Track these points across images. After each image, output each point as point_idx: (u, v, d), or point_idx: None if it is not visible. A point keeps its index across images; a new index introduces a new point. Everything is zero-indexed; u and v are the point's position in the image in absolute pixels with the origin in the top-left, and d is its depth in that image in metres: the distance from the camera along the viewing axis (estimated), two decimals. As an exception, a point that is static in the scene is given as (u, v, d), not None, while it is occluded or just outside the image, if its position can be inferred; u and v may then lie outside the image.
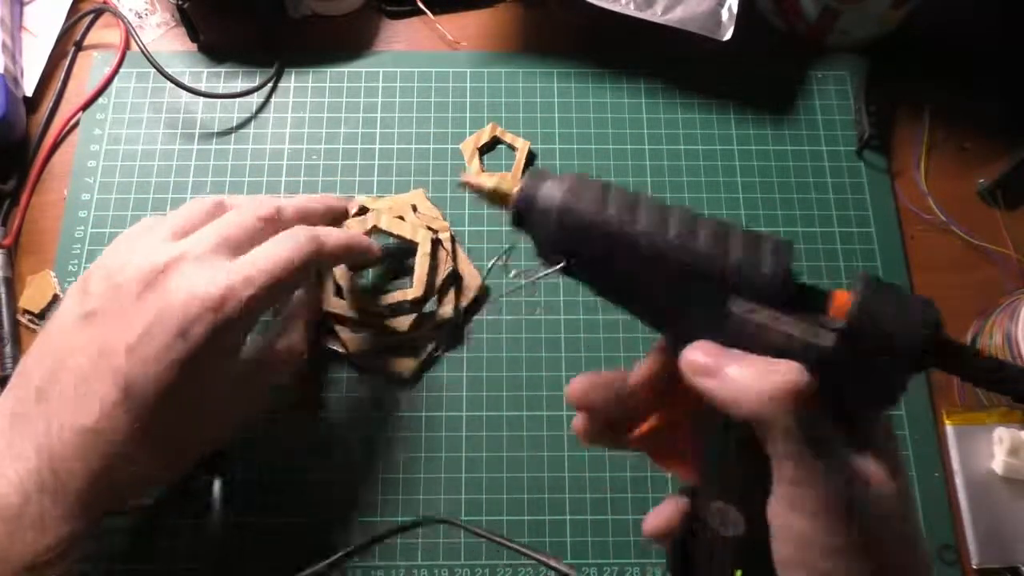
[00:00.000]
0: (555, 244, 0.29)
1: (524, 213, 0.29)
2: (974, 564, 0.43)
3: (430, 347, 0.47)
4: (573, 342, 0.48)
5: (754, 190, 0.52)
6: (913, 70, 0.55)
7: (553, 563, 0.42)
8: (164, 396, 0.32)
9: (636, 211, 0.28)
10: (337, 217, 0.45)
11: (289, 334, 0.40)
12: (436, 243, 0.47)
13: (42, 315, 0.48)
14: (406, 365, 0.47)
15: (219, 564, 0.42)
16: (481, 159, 0.52)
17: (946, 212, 0.51)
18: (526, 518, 0.44)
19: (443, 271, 0.47)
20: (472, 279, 0.48)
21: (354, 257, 0.43)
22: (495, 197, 0.31)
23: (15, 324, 0.47)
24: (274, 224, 0.38)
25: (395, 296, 0.46)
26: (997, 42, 0.56)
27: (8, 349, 0.47)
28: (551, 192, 0.29)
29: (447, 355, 0.48)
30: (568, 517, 0.44)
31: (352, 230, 0.45)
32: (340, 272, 0.46)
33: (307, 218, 0.41)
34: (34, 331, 0.47)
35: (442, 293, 0.47)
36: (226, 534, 0.42)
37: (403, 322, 0.46)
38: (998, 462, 0.45)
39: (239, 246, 0.36)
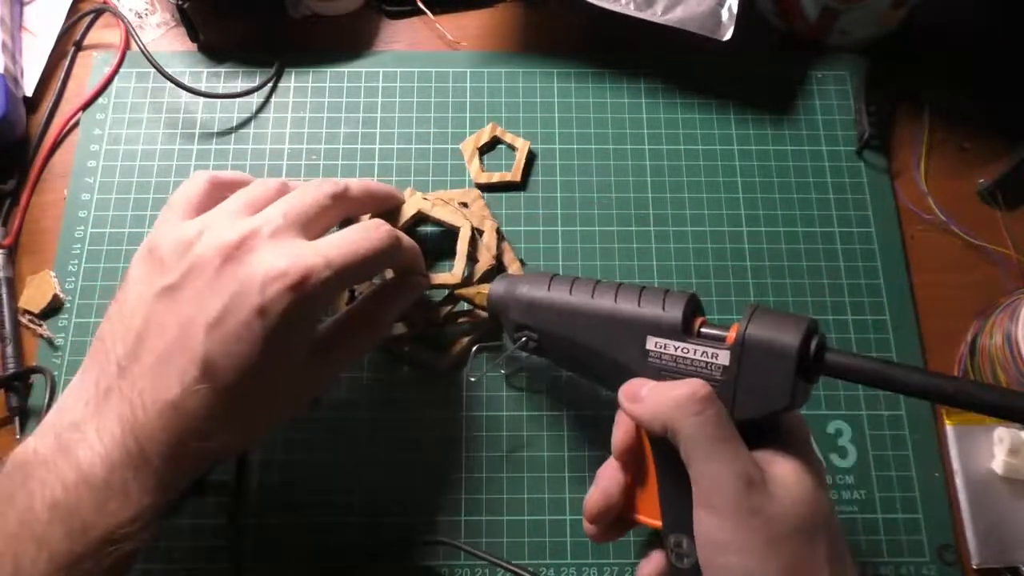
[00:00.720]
0: (517, 326, 0.40)
1: (496, 309, 0.41)
2: (974, 564, 0.43)
3: (466, 341, 0.47)
4: None
5: (754, 190, 0.52)
6: (913, 70, 0.55)
7: None
8: (243, 374, 0.32)
9: (572, 288, 0.38)
10: (391, 209, 0.45)
11: (372, 317, 0.40)
12: (477, 232, 0.47)
13: (42, 315, 0.48)
14: (441, 359, 0.47)
15: (224, 563, 0.42)
16: (481, 159, 0.52)
17: (946, 212, 0.51)
18: (526, 518, 0.44)
19: (484, 264, 0.46)
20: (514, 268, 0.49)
21: (413, 269, 0.42)
22: (477, 301, 0.44)
23: (15, 324, 0.47)
24: (342, 202, 0.38)
25: (433, 279, 0.45)
26: (997, 42, 0.56)
27: (9, 349, 0.47)
28: (510, 288, 0.40)
29: (484, 354, 0.47)
30: (568, 517, 0.44)
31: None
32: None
33: (369, 200, 0.41)
34: (34, 331, 0.47)
35: (482, 284, 0.46)
36: (236, 533, 0.43)
37: (439, 312, 0.46)
38: (998, 462, 0.45)
39: (309, 224, 0.36)
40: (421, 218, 0.47)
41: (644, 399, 0.34)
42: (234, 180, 0.39)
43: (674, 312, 0.35)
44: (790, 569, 0.29)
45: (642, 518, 0.37)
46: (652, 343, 0.35)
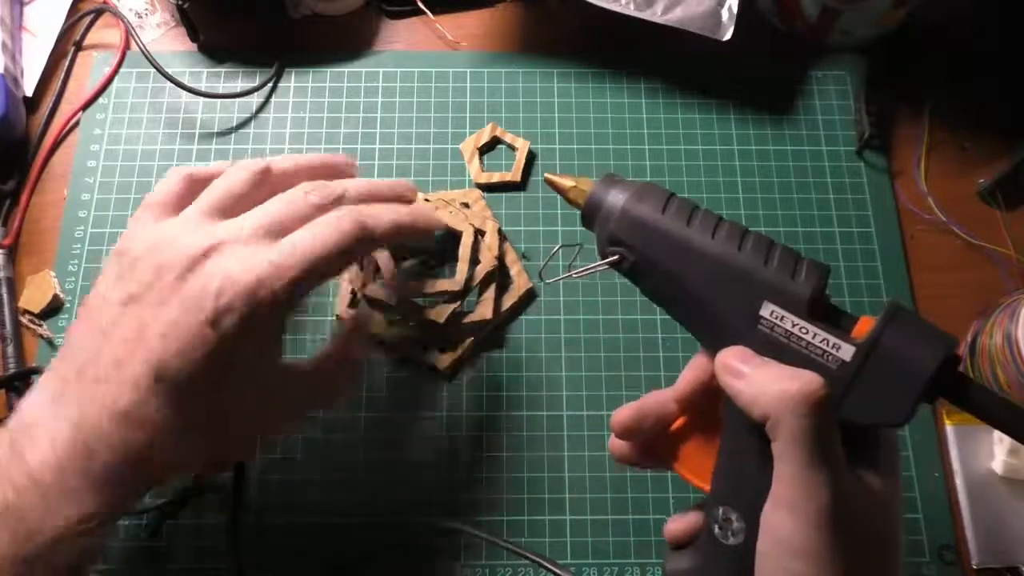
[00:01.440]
0: (613, 240, 0.33)
1: (592, 212, 0.33)
2: (974, 564, 0.43)
3: (468, 342, 0.47)
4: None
5: (754, 190, 0.52)
6: (913, 70, 0.55)
7: (548, 564, 0.42)
8: (195, 384, 0.32)
9: (691, 219, 0.32)
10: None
11: (345, 356, 0.39)
12: (479, 233, 0.47)
13: (42, 315, 0.48)
14: (443, 360, 0.46)
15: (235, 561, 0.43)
16: (481, 159, 0.52)
17: (946, 212, 0.51)
18: (525, 518, 0.44)
19: (486, 265, 0.46)
20: (521, 280, 0.48)
21: (408, 238, 0.40)
22: (571, 195, 0.35)
23: (16, 324, 0.47)
24: (329, 210, 0.36)
25: (434, 285, 0.45)
26: (997, 42, 0.56)
27: (9, 349, 0.47)
28: (616, 196, 0.33)
29: (486, 355, 0.47)
30: (568, 517, 0.44)
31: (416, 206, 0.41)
32: (382, 256, 0.46)
33: (368, 198, 0.38)
34: (34, 331, 0.47)
35: (484, 287, 0.47)
36: (235, 533, 0.43)
37: (441, 313, 0.45)
38: (998, 462, 0.45)
39: (284, 231, 0.35)
40: None
41: (748, 376, 0.30)
42: (210, 174, 0.37)
43: (805, 285, 0.30)
44: None
45: (682, 471, 0.34)
46: (768, 311, 0.30)
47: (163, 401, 0.32)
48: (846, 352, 0.29)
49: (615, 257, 0.33)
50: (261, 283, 0.32)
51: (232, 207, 0.36)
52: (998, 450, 0.45)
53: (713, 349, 0.32)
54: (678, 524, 0.34)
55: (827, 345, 0.30)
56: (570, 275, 0.36)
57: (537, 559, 0.41)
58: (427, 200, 0.48)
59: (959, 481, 0.45)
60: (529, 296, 0.49)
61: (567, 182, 0.35)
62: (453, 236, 0.48)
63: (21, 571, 0.30)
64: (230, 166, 0.37)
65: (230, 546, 0.42)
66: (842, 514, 0.28)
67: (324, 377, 0.38)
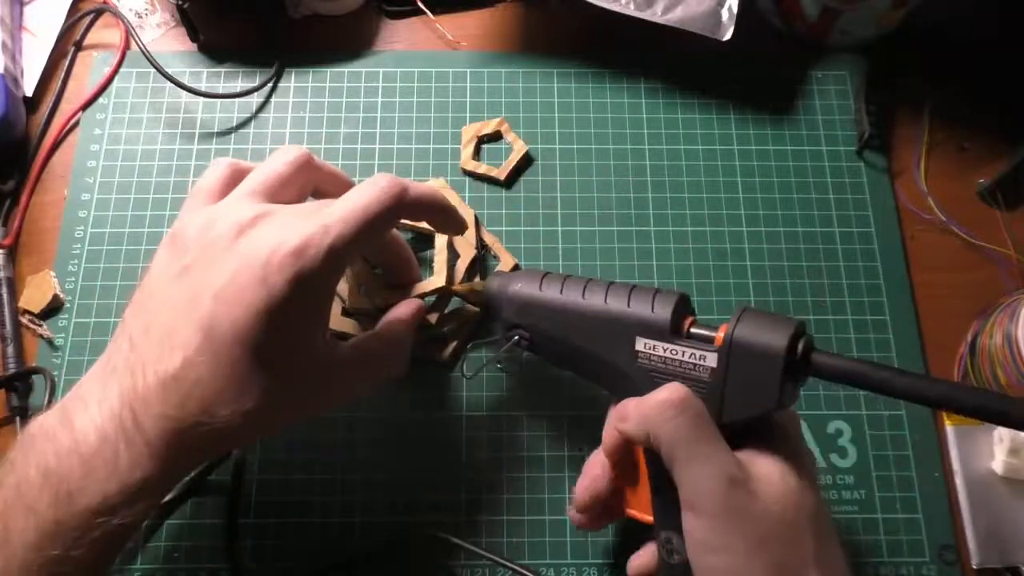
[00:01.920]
0: (509, 325, 0.40)
1: (490, 306, 0.41)
2: (974, 564, 0.43)
3: (465, 330, 0.47)
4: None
5: (754, 190, 0.52)
6: (913, 70, 0.55)
7: None
8: (244, 343, 0.32)
9: (563, 287, 0.38)
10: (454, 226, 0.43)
11: (395, 335, 0.40)
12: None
13: (42, 315, 0.48)
14: (443, 351, 0.47)
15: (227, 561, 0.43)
16: (478, 148, 0.52)
17: (946, 212, 0.51)
18: (525, 518, 0.44)
19: (466, 259, 0.47)
20: (505, 259, 0.49)
21: (440, 217, 0.40)
22: (471, 298, 0.43)
23: (16, 324, 0.47)
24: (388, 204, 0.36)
25: (417, 288, 0.45)
26: (997, 42, 0.56)
27: (9, 349, 0.47)
28: (503, 286, 0.40)
29: (478, 351, 0.47)
30: (568, 517, 0.44)
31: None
32: (357, 266, 0.46)
33: (425, 206, 0.39)
34: (34, 331, 0.47)
35: (470, 278, 0.47)
36: (234, 533, 0.43)
37: (431, 315, 0.45)
38: (998, 462, 0.45)
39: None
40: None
41: (630, 415, 0.34)
42: (246, 167, 0.39)
43: (663, 312, 0.35)
44: (776, 567, 0.29)
45: (632, 512, 0.37)
46: (641, 344, 0.35)
47: (212, 361, 0.32)
48: (711, 359, 0.33)
49: (516, 338, 0.40)
50: (309, 243, 0.32)
51: (278, 190, 0.37)
52: (998, 450, 0.45)
53: (618, 395, 0.36)
54: (640, 559, 0.38)
55: (696, 359, 0.34)
56: (486, 364, 0.45)
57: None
58: None
59: (959, 481, 0.45)
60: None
61: (464, 288, 0.43)
62: (422, 238, 0.48)
63: (64, 538, 0.30)
64: (273, 154, 0.38)
65: (228, 542, 0.43)
66: (740, 504, 0.30)
67: (372, 355, 0.38)
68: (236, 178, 0.38)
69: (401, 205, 0.36)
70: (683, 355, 0.34)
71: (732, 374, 0.33)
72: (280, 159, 0.37)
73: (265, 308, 0.32)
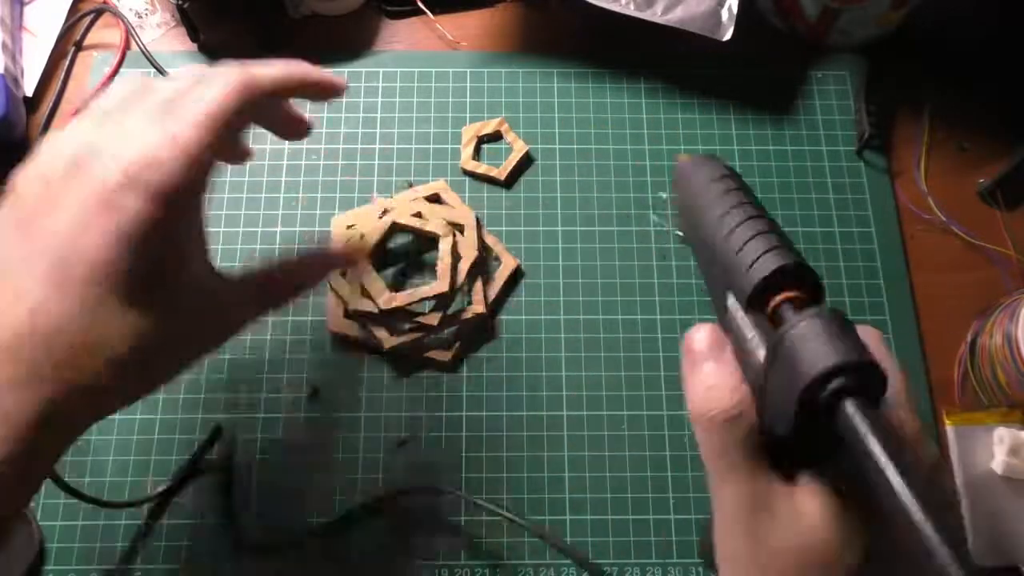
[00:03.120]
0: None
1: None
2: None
3: (467, 333, 0.47)
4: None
5: (754, 190, 0.52)
6: (913, 70, 0.55)
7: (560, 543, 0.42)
8: (102, 279, 0.28)
9: (721, 197, 0.31)
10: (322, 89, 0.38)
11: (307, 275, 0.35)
12: (456, 230, 0.48)
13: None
14: (443, 355, 0.47)
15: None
16: (478, 148, 0.52)
17: (946, 212, 0.51)
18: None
19: (467, 261, 0.47)
20: (507, 260, 0.49)
21: (310, 89, 0.36)
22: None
23: (15, 324, 0.47)
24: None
25: (420, 292, 0.46)
26: (997, 42, 0.56)
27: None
28: (686, 163, 0.34)
29: (486, 354, 0.48)
30: (568, 517, 0.44)
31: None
32: (363, 268, 0.46)
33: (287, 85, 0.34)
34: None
35: (472, 280, 0.47)
36: (234, 531, 0.43)
37: (433, 317, 0.46)
38: (998, 462, 0.45)
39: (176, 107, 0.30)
40: (397, 228, 0.48)
41: (693, 378, 0.29)
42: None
43: (753, 276, 0.28)
44: None
45: None
46: (730, 300, 0.29)
47: (68, 306, 0.28)
48: (762, 354, 0.27)
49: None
50: (157, 156, 0.28)
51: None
52: (998, 450, 0.45)
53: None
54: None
55: (754, 345, 0.28)
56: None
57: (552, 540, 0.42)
58: (390, 207, 0.49)
59: (959, 481, 0.45)
60: (517, 275, 0.49)
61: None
62: (427, 239, 0.48)
63: None
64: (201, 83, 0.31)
65: (228, 545, 0.43)
66: (759, 529, 0.27)
67: (271, 288, 0.35)
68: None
69: (255, 95, 0.31)
70: (748, 334, 0.28)
71: (772, 382, 0.27)
72: (186, 74, 0.32)
73: (117, 234, 0.28)
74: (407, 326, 0.46)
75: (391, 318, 0.46)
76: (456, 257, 0.47)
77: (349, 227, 0.49)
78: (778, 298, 0.28)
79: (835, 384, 0.24)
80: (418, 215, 0.48)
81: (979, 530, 0.44)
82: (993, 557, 0.43)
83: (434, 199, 0.50)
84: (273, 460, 0.45)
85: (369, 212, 0.49)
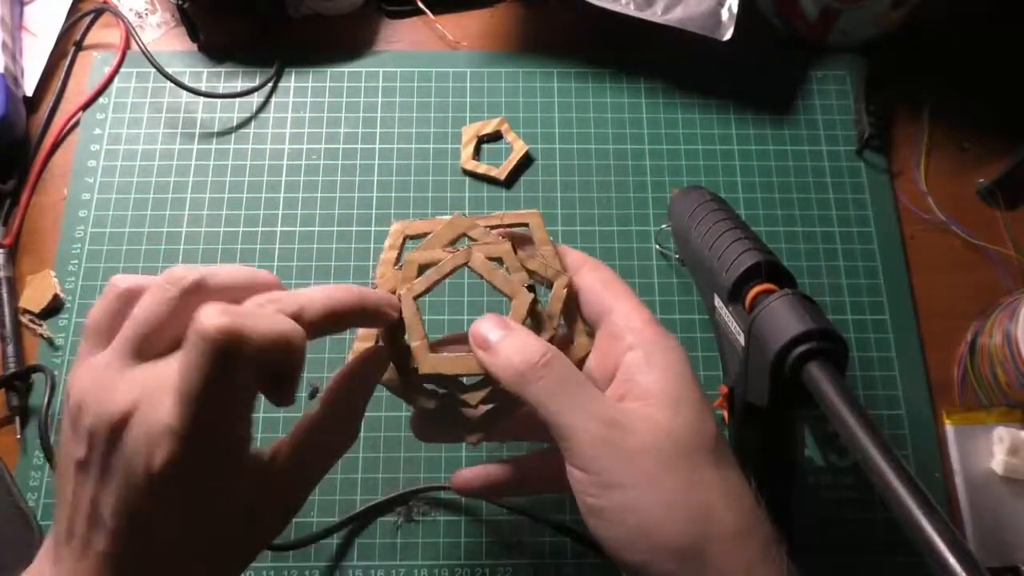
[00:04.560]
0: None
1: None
2: (974, 564, 0.43)
3: (490, 415, 0.35)
4: None
5: (754, 190, 0.52)
6: (913, 70, 0.55)
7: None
8: (151, 540, 0.28)
9: (704, 217, 0.38)
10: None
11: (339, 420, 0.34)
12: (535, 301, 0.33)
13: (42, 315, 0.48)
14: (474, 398, 0.34)
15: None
16: (478, 148, 0.52)
17: (946, 212, 0.51)
18: (526, 518, 0.44)
19: (522, 306, 0.32)
20: (582, 341, 0.33)
21: (333, 324, 0.30)
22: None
23: (16, 324, 0.47)
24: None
25: (471, 365, 0.32)
26: (997, 42, 0.56)
27: (9, 349, 0.47)
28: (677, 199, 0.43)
29: None
30: (568, 517, 0.44)
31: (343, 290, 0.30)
32: (412, 334, 0.33)
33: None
34: (34, 331, 0.47)
35: (536, 324, 0.33)
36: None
37: (474, 396, 0.34)
38: (998, 462, 0.45)
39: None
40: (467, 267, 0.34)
41: (494, 349, 0.31)
42: (140, 287, 0.30)
43: (731, 274, 0.34)
44: (676, 496, 0.28)
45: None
46: (716, 301, 0.35)
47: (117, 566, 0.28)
48: (742, 339, 0.32)
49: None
50: (179, 426, 0.27)
51: (153, 337, 0.29)
52: (998, 450, 0.45)
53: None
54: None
55: (736, 332, 0.33)
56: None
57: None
58: (472, 234, 0.35)
59: (959, 481, 0.45)
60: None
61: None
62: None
63: None
64: (159, 279, 0.29)
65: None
66: (618, 441, 0.29)
67: (316, 449, 0.33)
68: (125, 311, 0.30)
69: (236, 366, 0.27)
70: (732, 326, 0.33)
71: (750, 358, 0.32)
72: (156, 298, 0.29)
73: (164, 497, 0.27)
74: (441, 391, 0.34)
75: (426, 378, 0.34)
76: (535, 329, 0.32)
77: (412, 237, 0.36)
78: (754, 291, 0.33)
79: (800, 349, 0.29)
80: (499, 260, 0.34)
81: (979, 530, 0.44)
82: (993, 557, 0.43)
83: (521, 227, 0.35)
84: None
85: (439, 234, 0.34)
